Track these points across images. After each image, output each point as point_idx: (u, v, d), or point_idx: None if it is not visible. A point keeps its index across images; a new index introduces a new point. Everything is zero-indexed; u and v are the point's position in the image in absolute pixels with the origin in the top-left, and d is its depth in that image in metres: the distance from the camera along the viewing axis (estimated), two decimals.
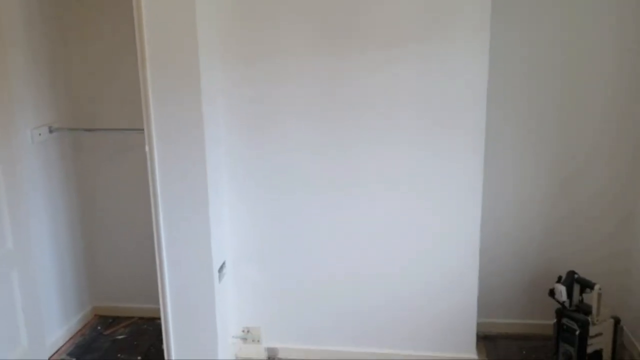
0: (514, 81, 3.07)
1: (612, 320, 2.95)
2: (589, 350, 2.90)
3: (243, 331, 3.21)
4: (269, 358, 3.22)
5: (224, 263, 3.00)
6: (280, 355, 3.21)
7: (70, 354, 3.32)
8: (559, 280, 2.99)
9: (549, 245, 3.24)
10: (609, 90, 3.04)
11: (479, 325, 3.08)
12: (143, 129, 2.71)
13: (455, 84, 2.76)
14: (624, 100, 3.04)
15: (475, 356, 3.08)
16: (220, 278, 2.93)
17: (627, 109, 3.05)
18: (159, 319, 2.93)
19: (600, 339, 2.92)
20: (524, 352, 3.21)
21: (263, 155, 2.97)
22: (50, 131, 3.25)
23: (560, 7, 2.98)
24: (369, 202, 2.96)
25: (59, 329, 3.38)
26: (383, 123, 2.85)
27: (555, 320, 3.00)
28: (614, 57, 3.00)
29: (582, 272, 2.97)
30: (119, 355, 3.31)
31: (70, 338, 3.46)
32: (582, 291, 2.96)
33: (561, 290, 2.93)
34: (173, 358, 2.95)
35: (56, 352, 3.32)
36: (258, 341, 3.21)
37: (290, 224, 3.04)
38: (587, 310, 2.91)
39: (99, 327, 3.60)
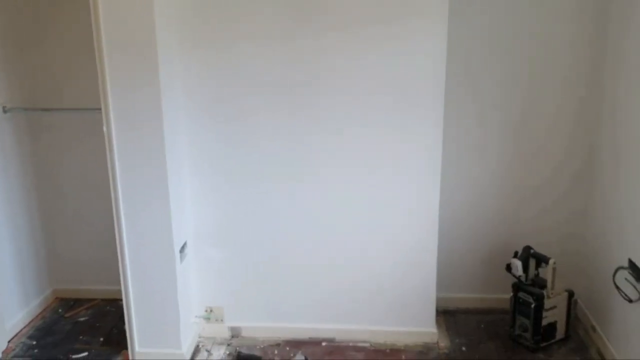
0: (474, 60, 3.10)
1: (566, 294, 3.05)
2: (544, 322, 3.00)
3: (206, 311, 3.21)
4: (232, 337, 3.23)
5: (185, 244, 2.99)
6: (243, 334, 3.23)
7: (30, 337, 3.28)
8: (515, 255, 3.07)
9: (505, 226, 3.31)
10: (567, 74, 3.08)
11: (438, 300, 3.14)
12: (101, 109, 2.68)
13: (415, 61, 2.77)
14: (583, 85, 3.09)
15: (434, 330, 3.14)
16: (181, 259, 2.93)
17: (585, 93, 3.10)
18: (122, 300, 2.92)
19: (555, 312, 3.02)
20: (482, 325, 3.28)
21: (224, 137, 2.95)
22: (5, 111, 3.17)
23: None
24: (328, 182, 2.97)
25: (18, 313, 3.33)
26: (342, 104, 2.85)
27: (511, 294, 3.09)
28: (574, 35, 3.04)
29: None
30: (80, 337, 3.28)
31: (30, 321, 3.42)
32: (537, 266, 3.04)
33: (517, 265, 3.00)
34: (135, 339, 2.95)
35: (15, 335, 3.27)
36: (221, 320, 3.22)
37: (251, 205, 3.04)
38: (542, 284, 2.99)
39: (60, 310, 3.56)
